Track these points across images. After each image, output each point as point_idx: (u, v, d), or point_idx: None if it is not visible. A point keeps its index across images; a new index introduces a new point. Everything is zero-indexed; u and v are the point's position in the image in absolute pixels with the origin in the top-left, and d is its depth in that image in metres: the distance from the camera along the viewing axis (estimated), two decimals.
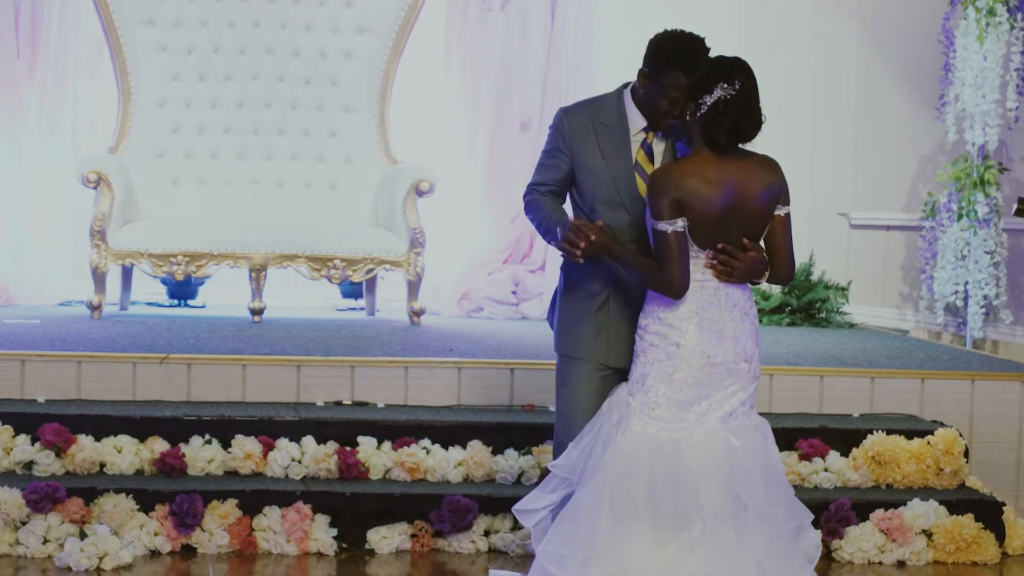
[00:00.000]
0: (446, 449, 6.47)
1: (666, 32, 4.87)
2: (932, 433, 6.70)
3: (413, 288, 8.43)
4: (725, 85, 4.66)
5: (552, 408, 5.23)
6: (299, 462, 6.35)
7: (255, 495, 6.16)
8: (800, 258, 9.33)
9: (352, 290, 9.29)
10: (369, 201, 8.79)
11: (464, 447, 6.48)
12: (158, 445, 6.30)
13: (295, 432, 6.41)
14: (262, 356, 6.90)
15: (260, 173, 8.86)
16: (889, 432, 6.70)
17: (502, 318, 9.06)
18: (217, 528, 6.07)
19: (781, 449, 6.54)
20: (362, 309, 9.09)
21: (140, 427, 6.34)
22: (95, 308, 8.20)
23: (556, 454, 4.99)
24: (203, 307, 9.04)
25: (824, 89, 9.80)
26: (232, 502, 6.12)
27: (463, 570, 6.03)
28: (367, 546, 6.19)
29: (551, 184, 4.99)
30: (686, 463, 4.71)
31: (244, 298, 8.43)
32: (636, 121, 4.93)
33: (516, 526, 6.18)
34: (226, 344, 7.23)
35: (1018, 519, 6.62)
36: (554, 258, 8.63)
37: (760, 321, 8.69)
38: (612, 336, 4.95)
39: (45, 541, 5.93)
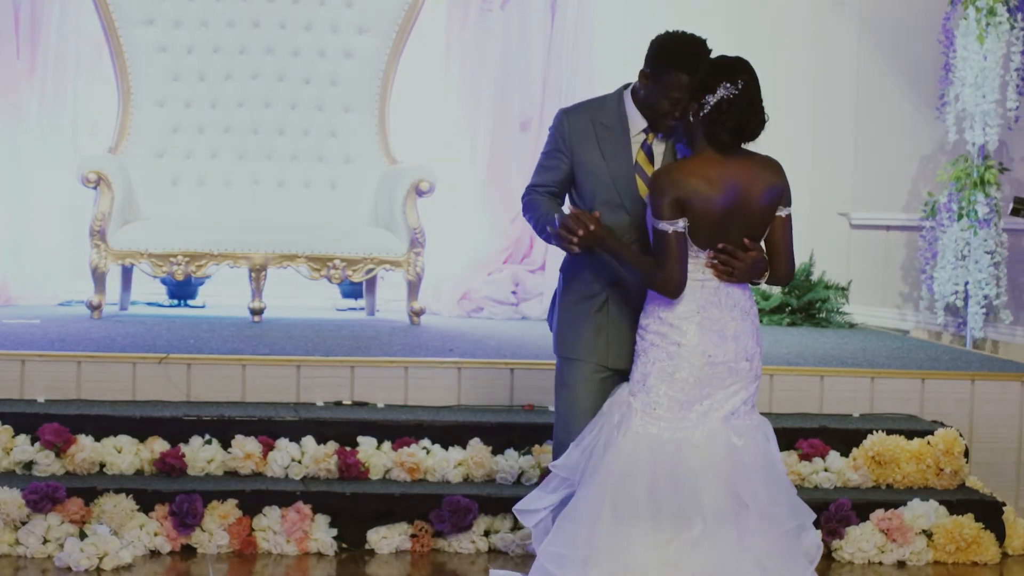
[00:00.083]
0: (446, 449, 6.47)
1: (668, 33, 4.87)
2: (932, 433, 6.70)
3: (413, 288, 8.43)
4: (728, 85, 4.66)
5: (552, 408, 5.22)
6: (299, 462, 6.35)
7: (255, 495, 6.16)
8: (800, 258, 9.33)
9: (352, 290, 9.29)
10: (369, 201, 8.79)
11: (464, 447, 6.48)
12: (158, 445, 6.30)
13: (295, 432, 6.41)
14: (262, 356, 6.90)
15: (260, 173, 8.86)
16: (889, 432, 6.70)
17: (502, 318, 9.06)
18: (217, 528, 6.07)
19: (781, 449, 6.50)
20: (362, 309, 9.09)
21: (140, 427, 6.34)
22: (95, 308, 8.20)
23: (556, 455, 4.99)
24: (203, 307, 9.04)
25: (824, 89, 9.80)
26: (232, 502, 6.12)
27: (463, 570, 6.03)
28: (367, 546, 6.19)
29: (550, 185, 4.99)
30: (687, 463, 4.71)
31: (244, 298, 8.43)
32: (636, 122, 4.93)
33: (516, 526, 6.18)
34: (226, 344, 7.23)
35: (1018, 519, 6.62)
36: (554, 258, 8.63)
37: (760, 321, 8.69)
38: (611, 337, 4.95)
39: (45, 541, 5.93)
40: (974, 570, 6.32)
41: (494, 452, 6.49)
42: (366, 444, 6.43)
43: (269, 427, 6.42)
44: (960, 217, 8.56)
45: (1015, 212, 5.52)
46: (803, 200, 9.45)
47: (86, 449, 6.21)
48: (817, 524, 5.74)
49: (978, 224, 8.50)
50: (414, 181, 8.40)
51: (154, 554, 6.02)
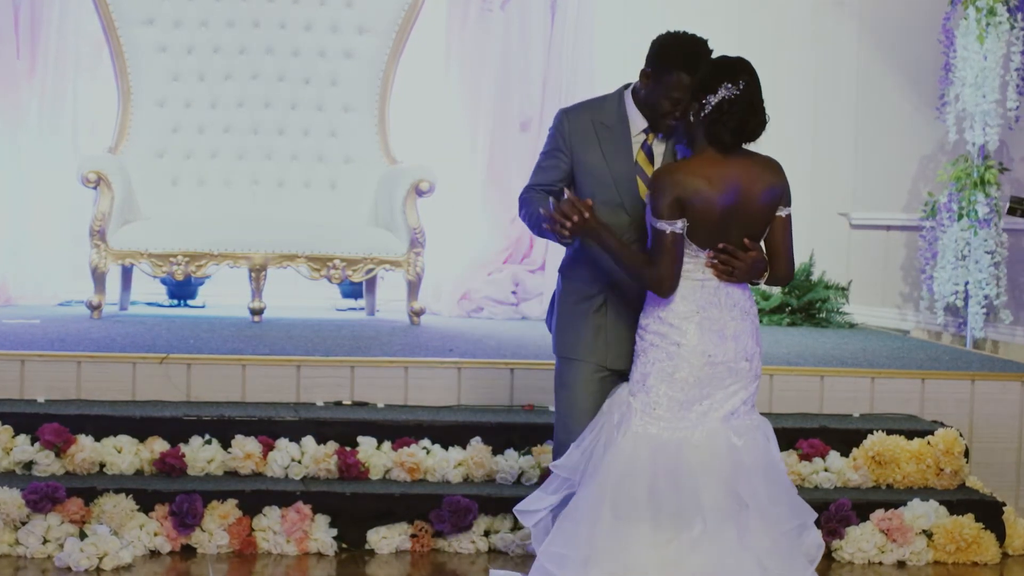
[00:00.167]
0: (446, 449, 6.47)
1: (669, 33, 4.87)
2: (932, 433, 6.70)
3: (413, 288, 8.43)
4: (729, 85, 4.66)
5: (552, 408, 5.22)
6: (299, 462, 6.35)
7: (255, 495, 6.16)
8: (800, 258, 9.33)
9: (352, 290, 9.28)
10: (369, 201, 8.79)
11: (464, 447, 6.48)
12: (158, 445, 6.30)
13: (295, 432, 6.41)
14: (262, 356, 6.90)
15: (260, 173, 8.86)
16: (889, 432, 6.70)
17: (502, 318, 9.06)
18: (217, 528, 6.07)
19: (781, 449, 6.51)
20: (362, 309, 9.08)
21: (140, 427, 6.34)
22: (95, 308, 8.20)
23: (556, 456, 4.99)
24: (203, 307, 9.04)
25: (824, 89, 9.80)
26: (232, 502, 6.12)
27: (463, 570, 6.02)
28: (367, 546, 6.18)
29: (548, 185, 4.98)
30: (687, 463, 4.71)
31: (244, 298, 8.43)
32: (637, 122, 4.93)
33: (516, 526, 6.18)
34: (226, 344, 7.23)
35: (1018, 519, 6.61)
36: (554, 258, 8.63)
37: (760, 321, 8.67)
38: (610, 337, 4.95)
39: (45, 541, 5.93)
40: (974, 570, 6.32)
41: (494, 452, 6.49)
42: (366, 444, 6.43)
43: (269, 427, 6.42)
44: (960, 217, 8.56)
45: (1012, 211, 5.53)
46: (803, 200, 9.45)
47: (86, 449, 6.21)
48: (817, 524, 5.72)
49: (978, 224, 8.50)
50: (414, 181, 8.40)
51: (154, 554, 6.02)
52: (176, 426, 6.36)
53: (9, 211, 8.94)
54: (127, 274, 8.67)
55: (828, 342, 8.29)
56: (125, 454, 6.27)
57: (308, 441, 6.39)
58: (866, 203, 9.63)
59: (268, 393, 6.74)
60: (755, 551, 4.71)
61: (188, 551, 6.07)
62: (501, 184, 9.23)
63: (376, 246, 8.37)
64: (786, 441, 6.56)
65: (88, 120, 9.20)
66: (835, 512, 6.32)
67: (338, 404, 6.75)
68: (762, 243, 4.83)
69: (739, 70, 4.69)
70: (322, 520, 6.17)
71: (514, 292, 9.22)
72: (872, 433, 6.67)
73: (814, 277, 9.39)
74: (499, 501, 6.23)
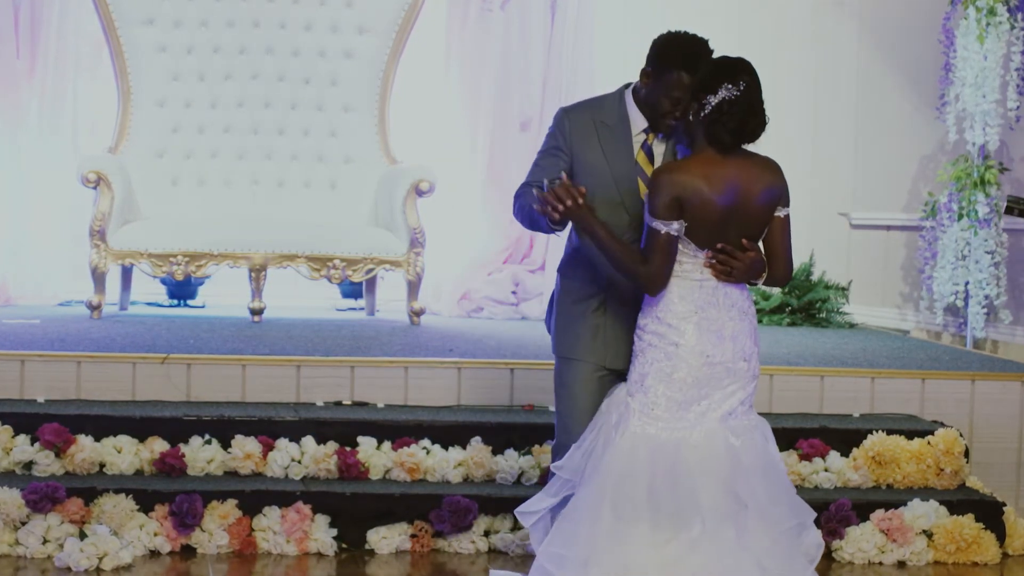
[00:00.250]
0: (446, 449, 6.47)
1: (670, 32, 4.87)
2: (932, 433, 6.70)
3: (413, 288, 8.42)
4: (729, 85, 4.65)
5: (552, 408, 5.22)
6: (299, 462, 6.35)
7: (255, 495, 6.15)
8: (800, 258, 9.34)
9: (352, 290, 9.28)
10: (369, 201, 8.79)
11: (464, 447, 6.48)
12: (158, 445, 6.30)
13: (295, 432, 6.41)
14: (262, 356, 6.89)
15: (260, 173, 8.86)
16: (889, 432, 6.70)
17: (502, 318, 9.06)
18: (217, 528, 6.07)
19: (781, 449, 6.53)
20: (362, 309, 9.08)
21: (140, 427, 6.34)
22: (95, 308, 8.20)
23: (556, 456, 4.98)
24: (203, 307, 9.04)
25: (824, 89, 9.80)
26: (232, 502, 6.12)
27: (463, 570, 6.02)
28: (367, 546, 6.18)
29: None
30: (686, 463, 4.71)
31: (244, 298, 8.43)
32: (637, 122, 4.92)
33: (516, 526, 6.18)
34: (226, 344, 7.23)
35: (1018, 519, 6.61)
36: (554, 258, 8.63)
37: (760, 321, 8.69)
38: (609, 337, 4.94)
39: (45, 541, 5.93)
40: (974, 570, 6.32)
41: (494, 452, 6.48)
42: (366, 444, 6.43)
43: (269, 427, 6.42)
44: (960, 217, 8.56)
45: (1009, 210, 5.54)
46: (803, 200, 9.44)
47: (86, 449, 6.21)
48: (817, 524, 5.72)
49: (978, 224, 8.50)
50: (414, 181, 8.40)
51: (154, 554, 6.02)
52: (176, 426, 6.36)
53: (9, 211, 8.94)
54: (127, 274, 8.67)
55: (828, 342, 8.29)
56: (125, 454, 6.27)
57: (308, 441, 6.39)
58: (866, 203, 9.63)
59: (268, 393, 6.74)
60: (754, 551, 4.70)
61: (188, 551, 6.07)
62: (501, 184, 9.22)
63: (376, 246, 8.37)
64: (786, 441, 6.57)
65: (88, 120, 9.20)
66: (835, 512, 6.32)
67: (338, 404, 6.75)
68: (760, 244, 4.83)
69: (739, 71, 4.69)
70: (322, 520, 6.17)
71: (514, 292, 9.22)
72: (872, 433, 6.67)
73: (814, 277, 9.39)
74: (499, 501, 6.23)
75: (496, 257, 9.35)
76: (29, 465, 6.21)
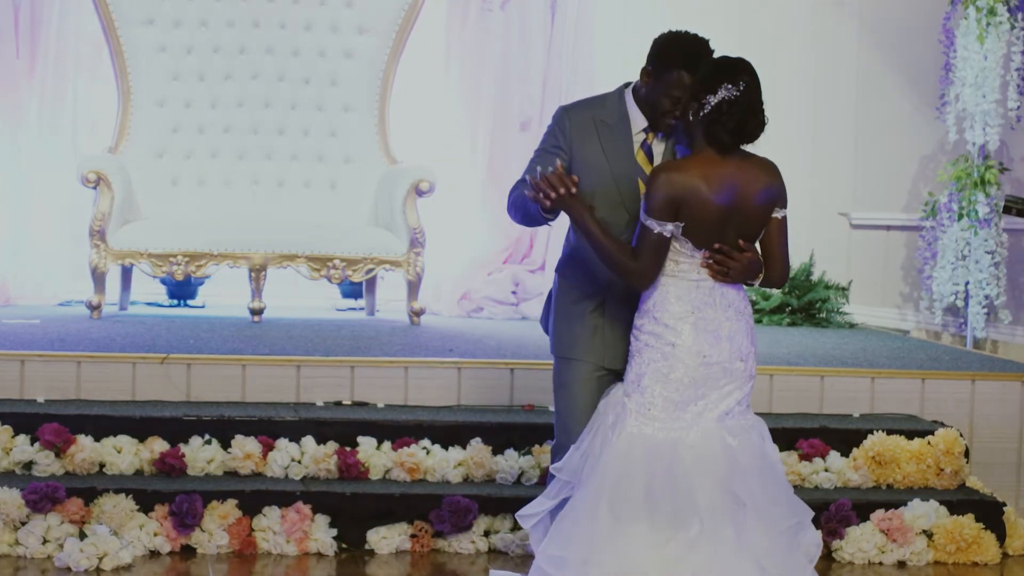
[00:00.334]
0: (446, 449, 6.47)
1: (671, 32, 4.87)
2: (932, 433, 6.70)
3: (413, 288, 8.42)
4: (729, 86, 4.65)
5: (552, 408, 5.22)
6: (299, 462, 6.35)
7: (255, 495, 6.15)
8: (800, 258, 9.34)
9: (352, 290, 9.28)
10: (369, 201, 8.79)
11: (464, 447, 6.48)
12: (158, 445, 6.29)
13: (295, 432, 6.40)
14: (262, 356, 6.89)
15: (260, 173, 8.86)
16: (889, 432, 6.70)
17: (502, 318, 9.06)
18: (217, 528, 6.07)
19: (781, 449, 6.54)
20: (362, 309, 9.08)
21: (140, 427, 6.34)
22: (95, 308, 8.19)
23: (555, 457, 4.98)
24: (203, 307, 9.03)
25: (824, 89, 9.80)
26: (232, 502, 6.12)
27: (463, 570, 6.02)
28: (367, 546, 6.18)
29: None
30: (683, 463, 4.70)
31: (244, 298, 8.43)
32: (637, 121, 4.92)
33: (516, 526, 6.18)
34: (226, 344, 7.23)
35: (1019, 519, 6.61)
36: (554, 258, 8.62)
37: (760, 321, 8.70)
38: (608, 337, 4.94)
39: (45, 541, 5.93)
40: (974, 570, 6.32)
41: (494, 452, 6.48)
42: (366, 444, 6.43)
43: (269, 427, 6.42)
44: (960, 217, 8.56)
45: (1007, 209, 5.54)
46: (803, 200, 9.46)
47: (86, 449, 6.21)
48: (817, 524, 5.73)
49: (978, 224, 8.50)
50: (414, 181, 8.40)
51: (154, 554, 6.02)
52: (176, 426, 6.36)
53: (9, 211, 8.94)
54: (127, 274, 8.67)
55: (828, 342, 8.29)
56: (125, 454, 6.27)
57: (308, 441, 6.39)
58: (866, 203, 9.63)
59: (268, 393, 6.74)
60: (753, 551, 4.70)
61: (188, 551, 6.07)
62: (501, 184, 9.21)
63: (376, 246, 8.36)
64: (786, 441, 6.57)
65: (88, 120, 9.20)
66: (835, 512, 6.32)
67: (338, 404, 6.75)
68: (757, 245, 4.83)
69: (740, 71, 4.69)
70: (322, 520, 6.17)
71: (514, 292, 9.22)
72: (872, 433, 6.67)
73: (814, 277, 9.39)
74: (499, 501, 6.23)
75: (496, 257, 9.35)
76: (29, 465, 6.20)
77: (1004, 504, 6.59)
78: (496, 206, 9.24)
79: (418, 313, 8.46)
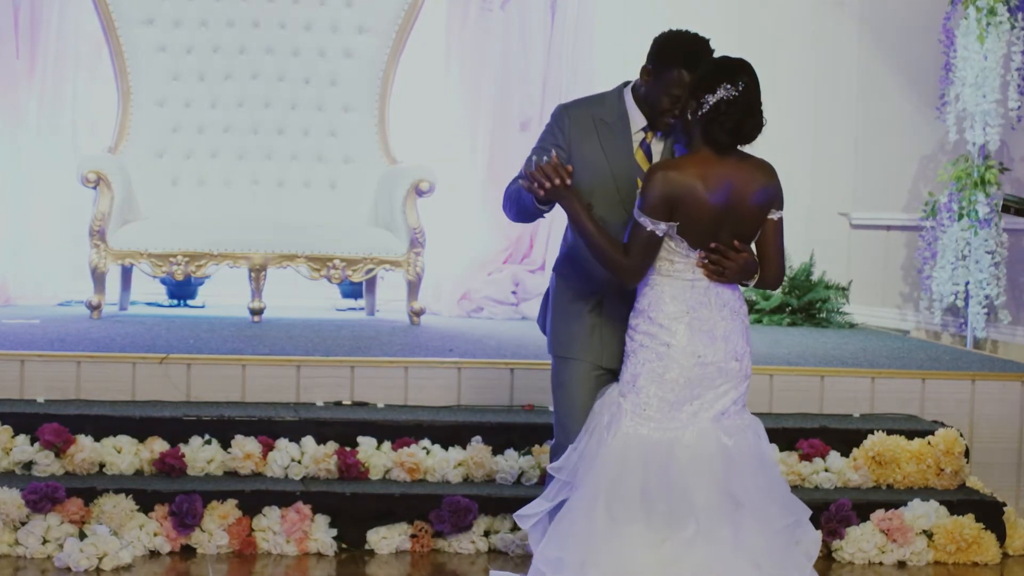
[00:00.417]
0: (446, 449, 6.47)
1: (671, 30, 4.88)
2: (933, 433, 6.70)
3: (413, 288, 8.42)
4: (728, 86, 4.65)
5: (552, 408, 5.22)
6: (299, 462, 6.35)
7: (255, 495, 6.15)
8: (800, 258, 9.34)
9: (352, 290, 9.28)
10: (369, 201, 8.79)
11: (464, 447, 6.48)
12: (158, 445, 6.29)
13: (295, 432, 6.40)
14: (262, 356, 6.89)
15: (260, 173, 8.86)
16: (890, 432, 6.69)
17: (502, 318, 9.06)
18: (217, 528, 6.07)
19: (781, 449, 6.55)
20: (362, 309, 9.08)
21: (140, 427, 6.34)
22: (94, 308, 8.19)
23: (554, 456, 4.98)
24: (203, 307, 9.03)
25: (824, 89, 9.80)
26: (232, 502, 6.12)
27: (463, 570, 6.02)
28: (367, 546, 6.18)
29: None
30: (678, 463, 4.70)
31: (244, 298, 8.43)
32: (636, 120, 4.92)
33: (516, 526, 6.17)
34: (226, 344, 7.23)
35: (1019, 519, 6.61)
36: (554, 258, 8.63)
37: (760, 321, 8.69)
38: (606, 336, 4.93)
39: (44, 541, 5.93)
40: (974, 570, 6.32)
41: (494, 452, 6.48)
42: (366, 444, 6.43)
43: (269, 427, 6.42)
44: (960, 217, 8.55)
45: (1005, 209, 5.54)
46: (803, 200, 9.47)
47: (86, 449, 6.21)
48: (817, 524, 5.73)
49: (978, 224, 8.50)
50: (414, 181, 8.40)
51: (154, 554, 6.02)
52: (176, 426, 6.36)
53: (9, 211, 8.94)
54: (127, 274, 8.67)
55: (828, 342, 8.28)
56: (125, 454, 6.26)
57: (308, 441, 6.38)
58: (866, 203, 9.62)
59: (268, 393, 6.73)
60: (750, 550, 4.70)
61: (188, 551, 6.07)
62: (501, 184, 9.10)
63: (376, 246, 8.36)
64: (786, 441, 6.57)
65: (88, 120, 9.20)
66: (835, 512, 6.32)
67: (338, 404, 6.75)
68: (753, 246, 4.83)
69: (739, 71, 4.69)
70: (322, 520, 6.16)
71: (514, 292, 9.21)
72: (872, 433, 6.67)
73: (814, 277, 9.39)
74: (499, 501, 6.23)
75: (496, 257, 9.35)
76: (29, 465, 6.20)
77: (1004, 504, 6.59)
78: (496, 206, 9.18)
79: (418, 313, 8.46)
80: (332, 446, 6.39)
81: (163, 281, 8.90)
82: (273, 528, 6.11)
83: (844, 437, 6.68)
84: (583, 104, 5.01)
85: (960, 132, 8.60)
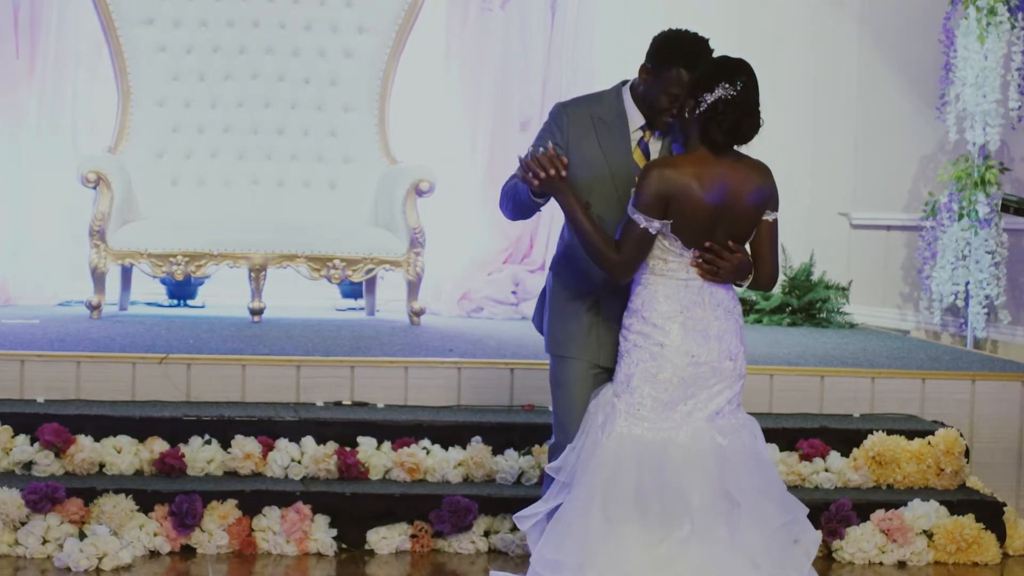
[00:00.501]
0: (446, 449, 6.47)
1: (671, 30, 4.88)
2: (933, 433, 6.70)
3: (413, 288, 8.42)
4: (727, 85, 4.65)
5: (551, 408, 5.22)
6: (299, 462, 6.34)
7: (255, 495, 6.15)
8: (800, 258, 9.34)
9: (352, 290, 9.28)
10: (369, 201, 8.79)
11: (464, 447, 6.48)
12: (157, 445, 6.29)
13: (295, 432, 6.40)
14: (262, 356, 6.89)
15: (260, 173, 8.86)
16: (890, 432, 6.69)
17: (502, 318, 9.06)
18: (217, 528, 6.07)
19: (781, 449, 6.54)
20: (362, 309, 9.08)
21: (140, 427, 6.34)
22: (94, 308, 8.19)
23: (553, 456, 4.98)
24: (203, 307, 9.03)
25: (824, 89, 9.80)
26: (232, 502, 6.11)
27: (463, 570, 6.02)
28: (367, 546, 6.18)
29: None
30: (672, 463, 4.70)
31: (244, 298, 8.43)
32: (635, 119, 4.92)
33: (516, 527, 6.17)
34: (226, 344, 7.23)
35: (1019, 519, 6.61)
36: None
37: (760, 321, 8.69)
38: (603, 335, 4.93)
39: (44, 542, 5.92)
40: (975, 570, 6.32)
41: (494, 452, 6.48)
42: (366, 444, 6.42)
43: (269, 427, 6.41)
44: (961, 217, 8.55)
45: (1005, 208, 5.55)
46: (803, 200, 9.47)
47: (85, 449, 6.21)
48: (817, 524, 5.73)
49: (979, 224, 8.50)
50: (414, 181, 8.40)
51: (154, 554, 6.02)
52: (176, 426, 6.36)
53: (9, 211, 8.94)
54: (127, 274, 8.67)
55: (828, 342, 8.28)
56: (125, 454, 6.26)
57: (308, 441, 6.38)
58: (866, 203, 9.62)
59: (268, 393, 6.73)
60: (748, 549, 4.70)
61: (188, 551, 6.07)
62: (501, 184, 9.17)
63: (376, 246, 8.36)
64: (786, 441, 6.56)
65: (88, 120, 9.20)
66: (835, 512, 6.32)
67: (338, 404, 6.75)
68: (747, 247, 4.83)
69: (738, 71, 4.69)
70: (322, 520, 6.16)
71: (514, 292, 9.21)
72: (872, 433, 6.67)
73: (814, 277, 9.39)
74: (499, 501, 6.23)
75: (496, 257, 9.35)
76: (29, 465, 6.20)
77: (1004, 504, 6.58)
78: (496, 206, 9.23)
79: (418, 313, 8.46)
80: (332, 446, 6.39)
81: (163, 281, 8.90)
82: (273, 528, 6.11)
83: (844, 437, 6.68)
84: (581, 103, 5.01)
85: (960, 132, 8.60)
